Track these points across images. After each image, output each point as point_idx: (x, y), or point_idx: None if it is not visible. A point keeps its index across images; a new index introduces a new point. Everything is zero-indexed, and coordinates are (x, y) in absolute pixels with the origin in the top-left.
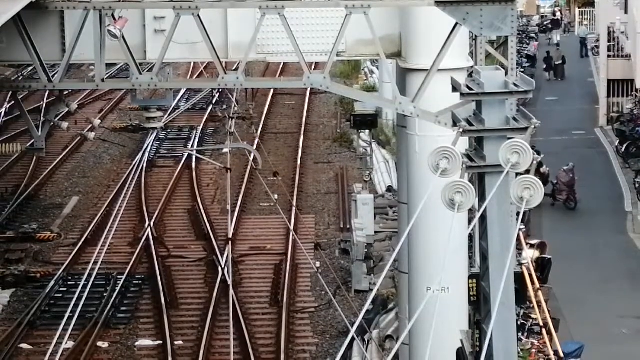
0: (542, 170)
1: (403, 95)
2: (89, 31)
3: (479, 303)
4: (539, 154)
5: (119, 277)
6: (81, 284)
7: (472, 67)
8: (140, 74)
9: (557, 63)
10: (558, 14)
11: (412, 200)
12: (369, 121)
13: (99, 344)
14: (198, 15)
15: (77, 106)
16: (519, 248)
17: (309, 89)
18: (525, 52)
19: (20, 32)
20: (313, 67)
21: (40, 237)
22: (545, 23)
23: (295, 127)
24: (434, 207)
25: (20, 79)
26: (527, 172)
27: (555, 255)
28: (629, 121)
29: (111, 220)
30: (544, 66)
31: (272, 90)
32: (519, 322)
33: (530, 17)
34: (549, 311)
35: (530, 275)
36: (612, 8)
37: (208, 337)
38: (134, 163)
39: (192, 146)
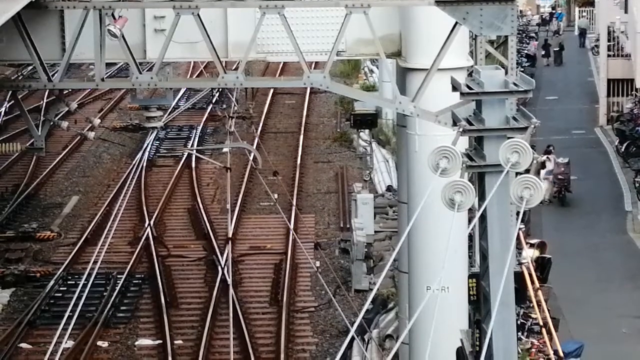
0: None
1: (403, 95)
2: (88, 30)
3: (478, 302)
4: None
5: (118, 276)
6: (81, 283)
7: (472, 66)
8: (140, 73)
9: (555, 50)
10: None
11: (412, 199)
12: (369, 120)
13: (99, 343)
14: (198, 15)
15: (76, 105)
16: (519, 247)
17: (308, 89)
18: (525, 51)
19: (20, 32)
20: (313, 66)
21: (40, 236)
22: (543, 17)
23: (295, 126)
24: (433, 207)
25: (20, 78)
26: (527, 171)
27: (555, 255)
28: (629, 120)
29: (111, 219)
30: (543, 52)
31: (272, 90)
32: (518, 322)
33: (529, 17)
34: (548, 310)
35: (530, 274)
36: (612, 7)
37: (208, 336)
38: (133, 162)
39: (192, 145)
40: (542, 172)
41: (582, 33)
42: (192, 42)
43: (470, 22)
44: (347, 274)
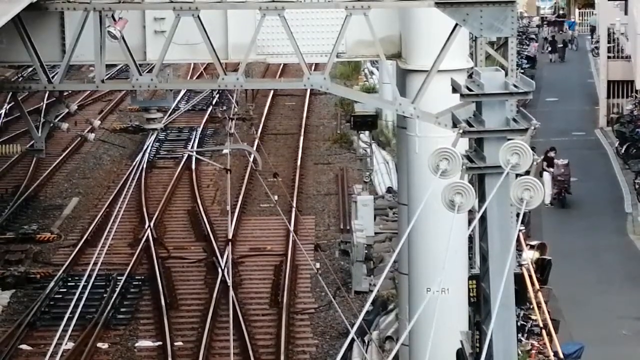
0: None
1: (403, 96)
2: (88, 32)
3: (478, 304)
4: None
5: (118, 278)
6: (81, 284)
7: (472, 68)
8: (140, 75)
9: (559, 46)
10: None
11: (412, 201)
12: (369, 122)
13: (99, 344)
14: (198, 16)
15: (77, 107)
16: (519, 249)
17: (308, 90)
18: (525, 53)
19: (20, 33)
20: (313, 68)
21: (40, 238)
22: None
23: (295, 128)
24: (433, 208)
25: (20, 79)
26: (527, 172)
27: (555, 256)
28: (629, 122)
29: (111, 221)
30: (549, 49)
31: (272, 91)
32: (518, 323)
33: (530, 18)
34: (548, 312)
35: (530, 276)
36: (612, 9)
37: (208, 338)
38: (133, 164)
39: (192, 147)
40: (547, 175)
41: (594, 30)
42: (192, 43)
43: (470, 24)
44: (347, 276)
